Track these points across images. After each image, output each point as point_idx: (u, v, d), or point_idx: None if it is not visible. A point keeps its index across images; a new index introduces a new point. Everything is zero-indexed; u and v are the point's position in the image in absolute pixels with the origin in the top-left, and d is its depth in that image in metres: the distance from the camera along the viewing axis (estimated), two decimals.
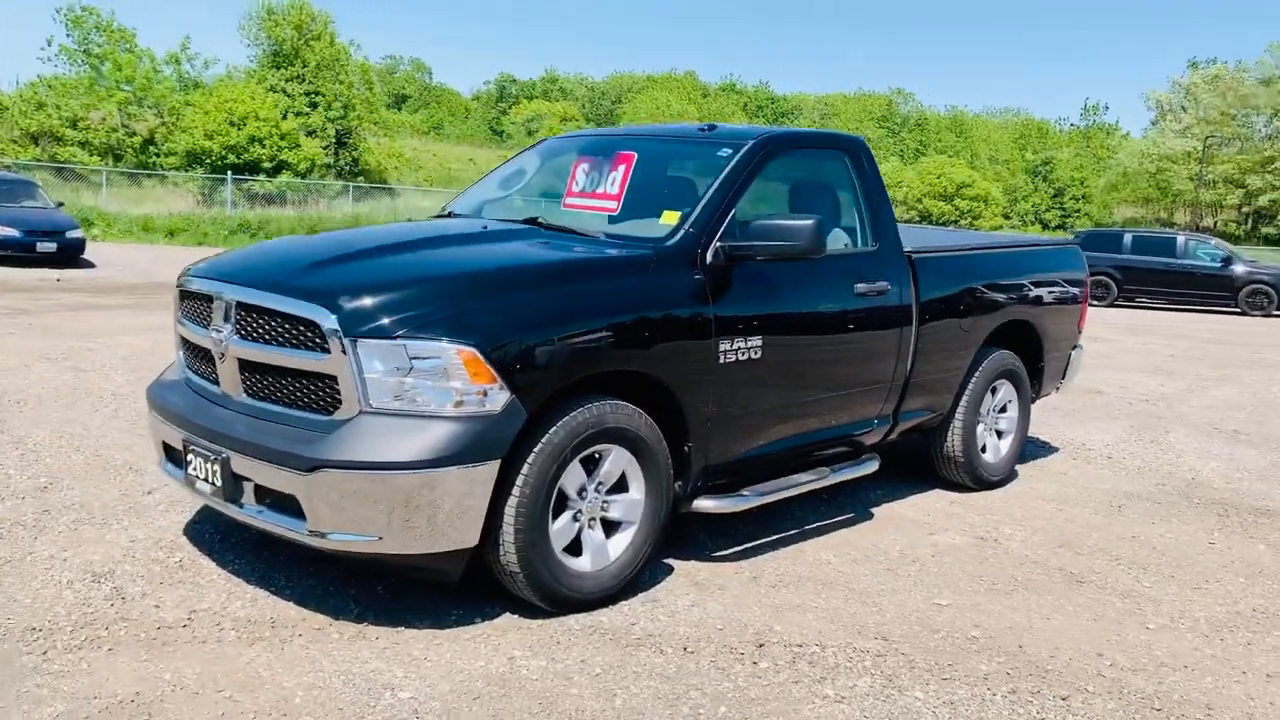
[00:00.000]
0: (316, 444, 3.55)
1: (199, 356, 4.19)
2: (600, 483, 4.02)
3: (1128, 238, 23.18)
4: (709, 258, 4.30)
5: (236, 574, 4.19)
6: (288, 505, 3.66)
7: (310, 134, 39.95)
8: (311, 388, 3.68)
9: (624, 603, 4.10)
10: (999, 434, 6.17)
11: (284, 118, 38.04)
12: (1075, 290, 6.54)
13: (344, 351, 3.53)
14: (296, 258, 4.19)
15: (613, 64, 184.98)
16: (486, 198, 5.50)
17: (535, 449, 3.72)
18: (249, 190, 34.09)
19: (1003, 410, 6.17)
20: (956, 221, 53.87)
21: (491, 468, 3.60)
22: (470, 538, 3.64)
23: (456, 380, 3.53)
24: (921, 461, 6.05)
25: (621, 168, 4.85)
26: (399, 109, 76.06)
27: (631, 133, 5.55)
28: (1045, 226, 60.17)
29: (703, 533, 4.91)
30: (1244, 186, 59.92)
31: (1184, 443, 7.75)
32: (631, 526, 4.12)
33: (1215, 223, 61.79)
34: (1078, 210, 61.93)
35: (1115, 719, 3.40)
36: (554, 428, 3.75)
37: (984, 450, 6.00)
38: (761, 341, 4.43)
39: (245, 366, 3.86)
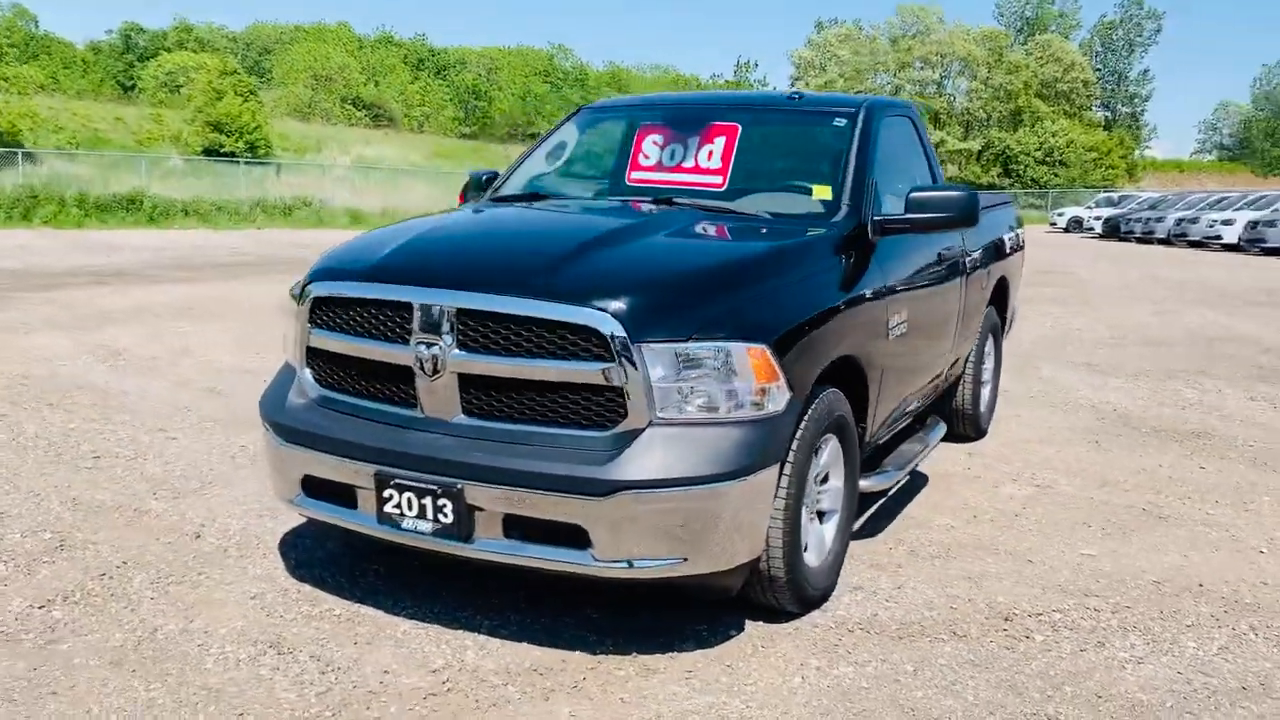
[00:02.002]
0: (610, 464, 3.15)
1: (367, 374, 3.56)
2: (816, 474, 3.87)
3: None
4: (869, 232, 4.21)
5: (419, 619, 3.65)
6: (557, 535, 3.23)
7: None
8: (581, 401, 3.25)
9: (834, 595, 3.99)
10: (982, 384, 6.53)
11: None
12: (1021, 242, 7.01)
13: (630, 359, 3.14)
14: (510, 252, 3.67)
15: (252, 13, 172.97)
16: (536, 173, 5.05)
17: (793, 446, 3.51)
18: None
19: (982, 362, 6.52)
20: None
21: (776, 470, 3.38)
22: (759, 546, 3.40)
23: (744, 381, 3.25)
24: None
25: (720, 140, 4.61)
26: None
27: (708, 101, 5.26)
28: None
29: None
30: None
31: (1065, 378, 8.57)
32: (836, 515, 4.00)
33: None
34: None
35: None
36: (804, 422, 3.56)
37: (979, 401, 6.33)
38: (906, 314, 4.42)
39: (471, 383, 3.34)
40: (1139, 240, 35.00)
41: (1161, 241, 33.06)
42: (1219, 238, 29.33)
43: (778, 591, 3.60)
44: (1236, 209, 30.04)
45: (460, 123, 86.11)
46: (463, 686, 3.20)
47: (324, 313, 3.63)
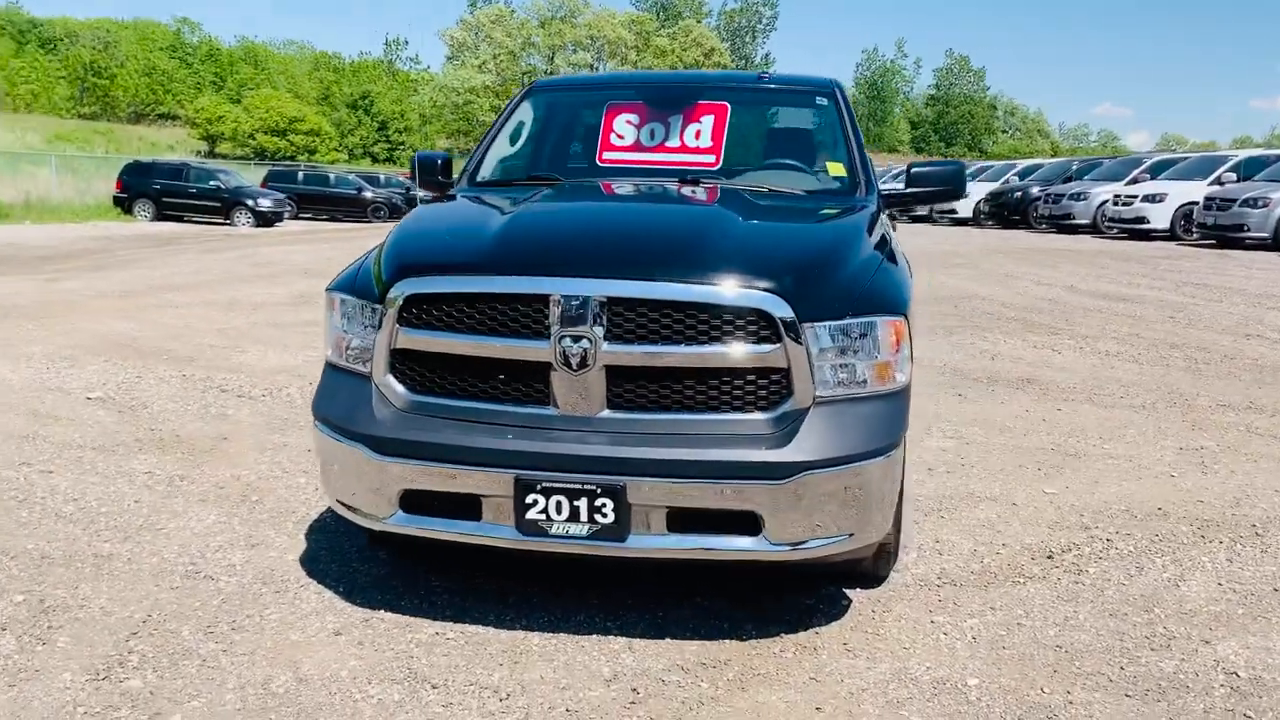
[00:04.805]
0: (786, 447, 3.13)
1: (482, 374, 3.27)
2: None
3: None
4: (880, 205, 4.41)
5: (541, 630, 3.43)
6: (724, 523, 3.17)
7: None
8: (740, 384, 3.18)
9: None
10: None
11: None
12: None
13: (797, 339, 3.14)
14: (634, 235, 3.47)
15: None
16: (508, 154, 4.82)
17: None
18: None
19: None
20: (294, 157, 52.74)
21: (904, 438, 3.50)
22: (893, 515, 3.50)
23: (887, 353, 3.34)
24: None
25: (708, 119, 4.63)
26: None
27: (684, 80, 5.20)
28: (375, 160, 61.29)
29: None
30: None
31: None
32: None
33: None
34: (402, 143, 64.23)
35: None
36: None
37: None
38: None
39: (620, 375, 3.17)
40: None
41: None
42: None
43: (885, 557, 3.73)
44: (883, 182, 33.39)
45: (77, 102, 78.01)
46: (654, 690, 3.07)
47: (422, 311, 3.29)
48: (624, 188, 4.39)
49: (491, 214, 3.68)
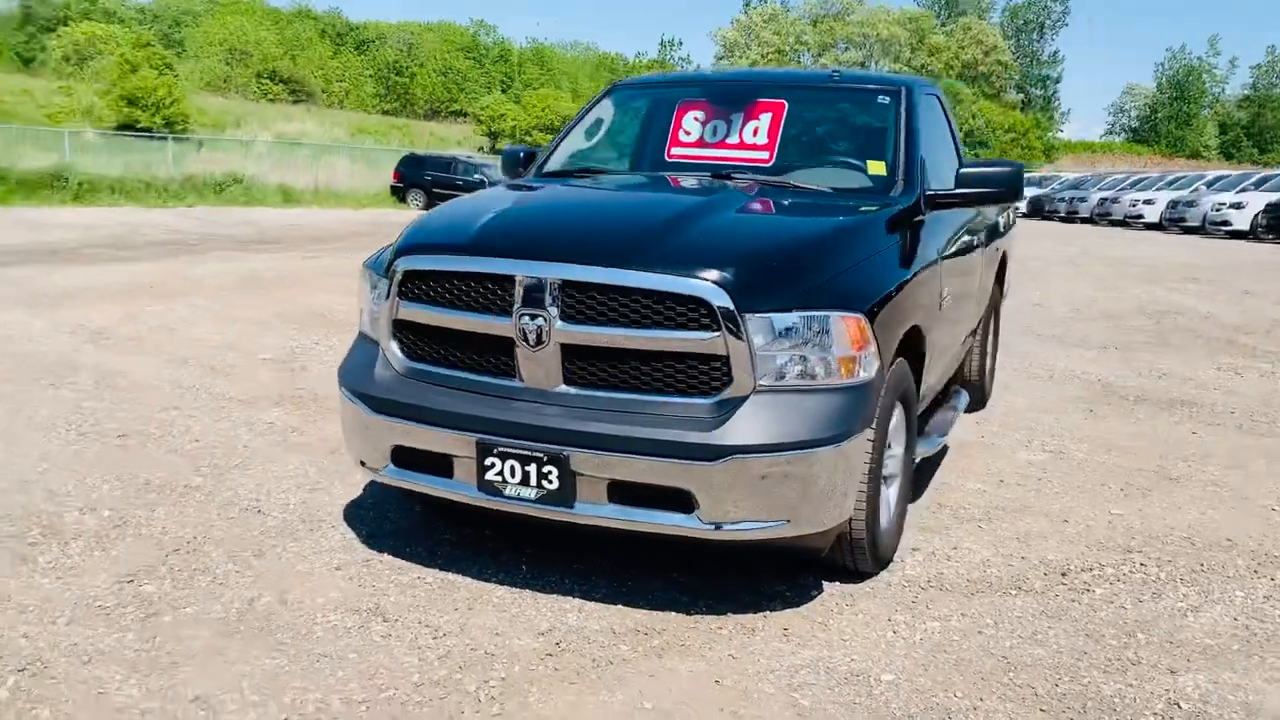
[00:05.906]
0: (718, 430, 3.26)
1: (461, 346, 3.60)
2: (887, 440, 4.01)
3: None
4: (923, 206, 4.37)
5: (510, 585, 3.72)
6: (662, 499, 3.34)
7: None
8: (684, 369, 3.34)
9: (896, 556, 4.15)
10: (987, 354, 6.74)
11: None
12: (1015, 218, 7.25)
13: (736, 329, 3.25)
14: (605, 225, 3.73)
15: None
16: (578, 149, 5.11)
17: (877, 413, 3.66)
18: None
19: (988, 334, 6.74)
20: None
21: (869, 434, 3.52)
22: (850, 508, 3.54)
23: (842, 348, 3.39)
24: None
25: (765, 116, 4.72)
26: None
27: (750, 78, 5.37)
28: None
29: None
30: None
31: (1039, 350, 8.91)
32: (897, 480, 4.15)
33: None
34: None
35: None
36: (883, 389, 3.70)
37: None
38: (950, 285, 4.59)
39: (574, 353, 3.41)
40: (1062, 219, 36.03)
41: (1085, 220, 34.11)
42: (1141, 217, 30.38)
43: (858, 552, 3.75)
44: (1156, 189, 31.14)
45: (380, 99, 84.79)
46: (575, 646, 3.30)
47: (415, 286, 3.66)
48: (641, 180, 4.59)
49: (501, 202, 4.00)
